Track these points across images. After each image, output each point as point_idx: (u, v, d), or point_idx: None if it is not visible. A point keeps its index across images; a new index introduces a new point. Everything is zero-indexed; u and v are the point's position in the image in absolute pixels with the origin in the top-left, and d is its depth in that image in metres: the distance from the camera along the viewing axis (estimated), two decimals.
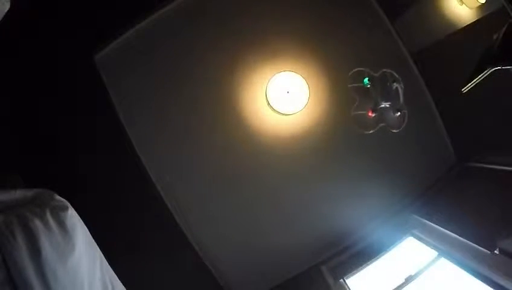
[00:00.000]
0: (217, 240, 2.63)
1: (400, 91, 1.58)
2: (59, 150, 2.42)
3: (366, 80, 1.70)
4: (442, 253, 2.16)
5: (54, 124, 2.41)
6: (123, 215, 2.45)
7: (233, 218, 2.65)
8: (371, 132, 1.76)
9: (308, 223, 2.71)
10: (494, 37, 1.63)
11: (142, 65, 2.53)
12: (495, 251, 1.69)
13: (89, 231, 1.52)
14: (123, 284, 1.65)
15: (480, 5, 2.23)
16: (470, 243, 1.86)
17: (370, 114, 1.66)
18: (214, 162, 2.61)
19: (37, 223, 1.25)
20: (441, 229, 2.17)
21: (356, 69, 1.74)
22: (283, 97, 2.53)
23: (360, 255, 2.56)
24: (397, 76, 1.65)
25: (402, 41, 2.69)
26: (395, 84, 1.58)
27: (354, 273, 2.50)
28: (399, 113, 1.59)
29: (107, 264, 1.58)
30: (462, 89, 1.64)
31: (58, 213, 1.34)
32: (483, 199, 2.16)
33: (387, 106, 1.59)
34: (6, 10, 1.39)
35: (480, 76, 1.55)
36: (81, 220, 1.46)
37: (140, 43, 2.51)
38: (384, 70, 1.71)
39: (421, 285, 2.17)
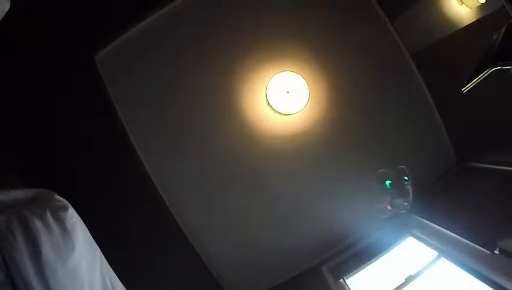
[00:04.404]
0: (217, 240, 2.63)
1: (410, 190, 2.11)
2: (59, 150, 2.42)
3: (387, 183, 2.21)
4: (442, 253, 2.16)
5: (54, 124, 2.41)
6: (123, 215, 2.45)
7: (233, 218, 2.65)
8: (385, 216, 2.32)
9: (308, 223, 2.71)
10: (494, 37, 1.63)
11: (142, 65, 2.52)
12: (495, 251, 1.69)
13: (89, 231, 1.52)
14: (123, 284, 1.65)
15: (480, 5, 2.23)
16: (470, 243, 1.86)
17: (388, 207, 2.19)
18: (214, 161, 2.61)
19: (37, 223, 1.25)
20: (441, 229, 2.17)
21: (380, 171, 2.25)
22: (283, 97, 2.53)
23: (360, 255, 2.56)
24: (408, 173, 2.14)
25: (402, 41, 2.69)
26: (407, 186, 2.10)
27: (354, 273, 2.51)
28: (406, 203, 2.13)
29: (107, 264, 1.58)
30: (462, 89, 1.64)
31: (58, 213, 1.34)
32: (483, 199, 2.16)
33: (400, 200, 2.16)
34: (6, 10, 1.39)
35: (480, 76, 1.54)
36: (81, 220, 1.46)
37: (140, 43, 2.51)
38: (400, 167, 2.18)
39: (421, 285, 2.17)
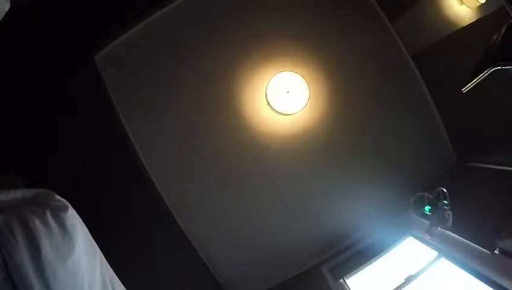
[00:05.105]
0: (217, 241, 2.63)
1: (450, 217, 1.85)
2: (59, 150, 2.42)
3: (427, 208, 1.94)
4: (442, 253, 2.16)
5: (54, 124, 2.41)
6: (123, 215, 2.45)
7: (233, 218, 2.65)
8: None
9: (308, 223, 2.71)
10: (494, 37, 1.62)
11: (142, 65, 2.53)
12: (495, 251, 1.69)
13: (89, 231, 1.52)
14: (123, 284, 1.65)
15: (480, 5, 2.23)
16: (470, 243, 1.86)
17: (427, 236, 1.97)
18: (214, 162, 2.61)
19: (37, 223, 1.25)
20: (441, 229, 2.16)
21: (418, 195, 1.99)
22: (283, 97, 2.53)
23: (360, 255, 2.56)
24: (447, 196, 1.87)
25: (402, 41, 2.69)
26: (447, 211, 1.84)
27: (354, 273, 2.51)
28: (444, 230, 1.93)
29: (107, 264, 1.58)
30: (462, 89, 1.64)
31: (58, 213, 1.34)
32: (483, 199, 2.16)
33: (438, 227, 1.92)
34: (6, 10, 1.39)
35: (480, 76, 1.54)
36: (81, 220, 1.46)
37: (140, 43, 2.51)
38: (440, 188, 1.91)
39: (421, 285, 2.17)
